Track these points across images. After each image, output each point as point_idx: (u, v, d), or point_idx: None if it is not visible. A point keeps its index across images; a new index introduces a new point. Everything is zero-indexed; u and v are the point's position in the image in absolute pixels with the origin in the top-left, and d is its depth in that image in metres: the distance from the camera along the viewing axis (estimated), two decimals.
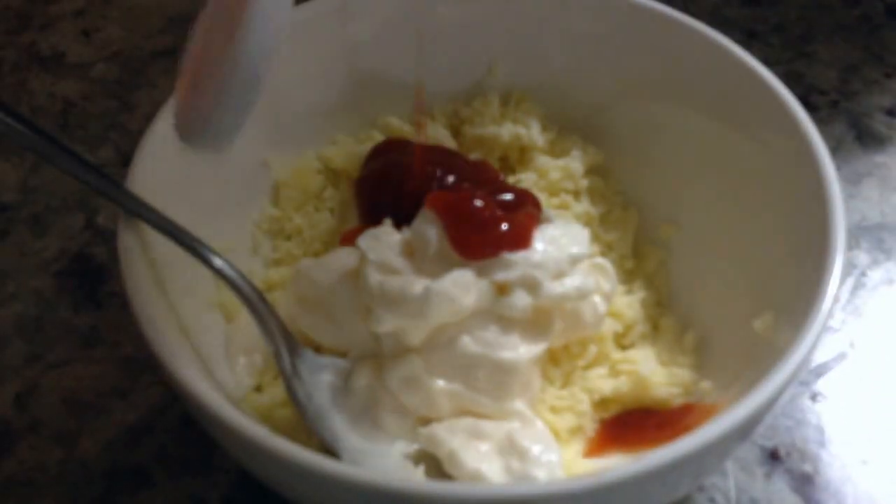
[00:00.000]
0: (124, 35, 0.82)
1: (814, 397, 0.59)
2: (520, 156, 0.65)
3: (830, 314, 0.45)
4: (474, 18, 0.64)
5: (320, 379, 0.52)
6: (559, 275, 0.52)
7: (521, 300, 0.50)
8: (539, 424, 0.51)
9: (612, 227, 0.62)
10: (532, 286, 0.51)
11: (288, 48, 0.60)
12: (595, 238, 0.60)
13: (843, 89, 0.78)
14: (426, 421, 0.51)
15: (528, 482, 0.47)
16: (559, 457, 0.50)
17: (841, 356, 0.61)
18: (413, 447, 0.50)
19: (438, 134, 0.64)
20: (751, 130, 0.57)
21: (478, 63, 0.65)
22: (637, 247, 0.62)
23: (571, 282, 0.52)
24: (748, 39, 0.82)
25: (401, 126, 0.64)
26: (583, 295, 0.52)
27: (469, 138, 0.65)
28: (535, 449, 0.49)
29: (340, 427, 0.51)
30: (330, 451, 0.49)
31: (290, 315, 0.55)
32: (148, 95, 0.77)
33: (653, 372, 0.54)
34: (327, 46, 0.62)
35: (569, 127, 0.65)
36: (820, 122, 0.54)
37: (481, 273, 0.51)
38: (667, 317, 0.58)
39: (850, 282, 0.65)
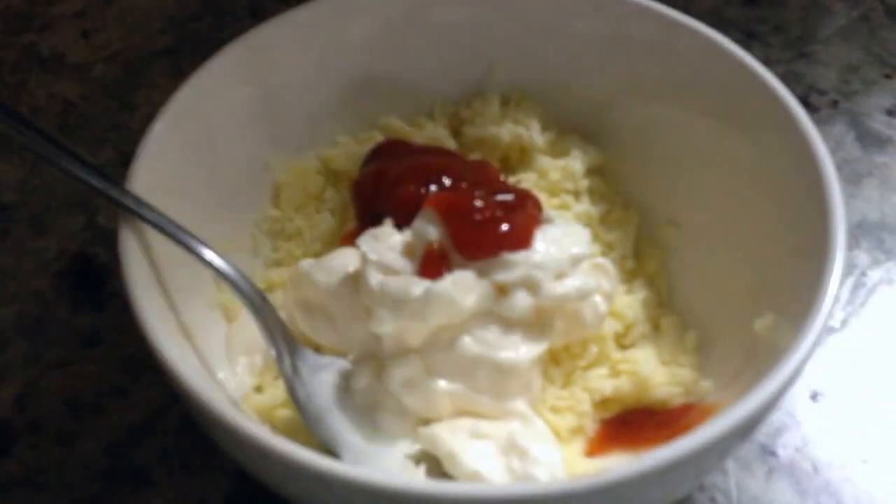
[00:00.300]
0: (124, 36, 0.82)
1: (814, 397, 0.59)
2: (520, 156, 0.65)
3: (830, 314, 0.45)
4: (474, 19, 0.64)
5: (321, 379, 0.52)
6: (560, 275, 0.52)
7: (521, 300, 0.50)
8: (540, 424, 0.51)
9: (612, 227, 0.62)
10: (533, 286, 0.51)
11: (288, 48, 0.61)
12: (595, 238, 0.60)
13: (843, 89, 0.78)
14: (427, 421, 0.51)
15: (529, 482, 0.47)
16: (560, 457, 0.50)
17: (841, 356, 0.61)
18: (413, 447, 0.50)
19: (438, 134, 0.64)
20: (751, 130, 0.57)
21: (478, 64, 0.65)
22: (637, 247, 0.62)
23: (572, 282, 0.52)
24: (748, 40, 0.82)
25: (401, 127, 0.64)
26: (583, 295, 0.52)
27: (469, 139, 0.65)
28: (536, 449, 0.49)
29: (341, 427, 0.51)
30: (330, 451, 0.49)
31: (290, 315, 0.55)
32: (148, 96, 0.77)
33: (653, 372, 0.54)
34: (327, 47, 0.62)
35: (569, 127, 0.65)
36: (820, 123, 0.54)
37: (482, 273, 0.51)
38: (667, 317, 0.58)
39: (850, 282, 0.65)
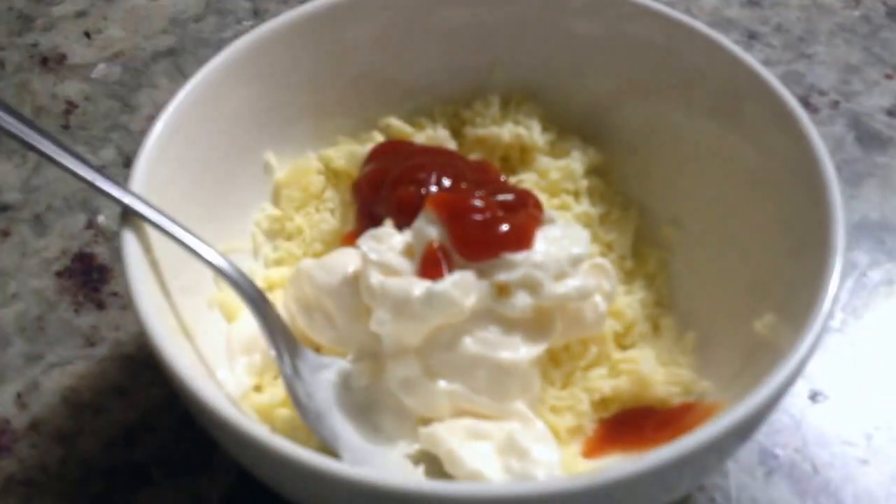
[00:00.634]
0: (126, 36, 0.82)
1: (814, 397, 0.59)
2: (520, 156, 0.65)
3: (830, 314, 0.45)
4: (475, 19, 0.64)
5: (321, 379, 0.52)
6: (560, 275, 0.52)
7: (522, 301, 0.50)
8: (539, 424, 0.51)
9: (612, 227, 0.62)
10: (533, 287, 0.51)
11: (289, 48, 0.61)
12: (595, 238, 0.60)
13: (843, 90, 0.78)
14: (426, 421, 0.51)
15: (528, 482, 0.47)
16: (559, 456, 0.50)
17: (841, 356, 0.61)
18: (413, 447, 0.50)
19: (439, 135, 0.64)
20: (751, 131, 0.57)
21: (478, 64, 0.65)
22: (637, 247, 0.62)
23: (572, 282, 0.52)
24: (748, 40, 0.82)
25: (401, 127, 0.64)
26: (584, 295, 0.52)
27: (470, 139, 0.65)
28: (535, 449, 0.49)
29: (340, 427, 0.51)
30: (330, 451, 0.49)
31: (290, 315, 0.56)
32: (149, 96, 0.77)
33: (653, 371, 0.54)
34: (328, 47, 0.62)
35: (569, 127, 0.65)
36: (820, 123, 0.54)
37: (482, 274, 0.51)
38: (667, 317, 0.58)
39: (850, 282, 0.65)
